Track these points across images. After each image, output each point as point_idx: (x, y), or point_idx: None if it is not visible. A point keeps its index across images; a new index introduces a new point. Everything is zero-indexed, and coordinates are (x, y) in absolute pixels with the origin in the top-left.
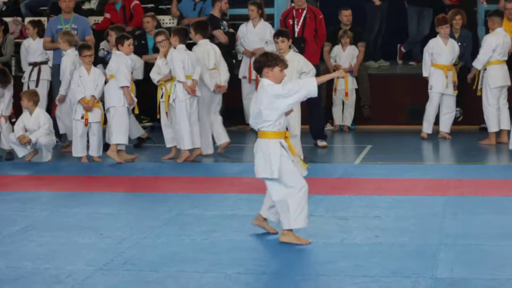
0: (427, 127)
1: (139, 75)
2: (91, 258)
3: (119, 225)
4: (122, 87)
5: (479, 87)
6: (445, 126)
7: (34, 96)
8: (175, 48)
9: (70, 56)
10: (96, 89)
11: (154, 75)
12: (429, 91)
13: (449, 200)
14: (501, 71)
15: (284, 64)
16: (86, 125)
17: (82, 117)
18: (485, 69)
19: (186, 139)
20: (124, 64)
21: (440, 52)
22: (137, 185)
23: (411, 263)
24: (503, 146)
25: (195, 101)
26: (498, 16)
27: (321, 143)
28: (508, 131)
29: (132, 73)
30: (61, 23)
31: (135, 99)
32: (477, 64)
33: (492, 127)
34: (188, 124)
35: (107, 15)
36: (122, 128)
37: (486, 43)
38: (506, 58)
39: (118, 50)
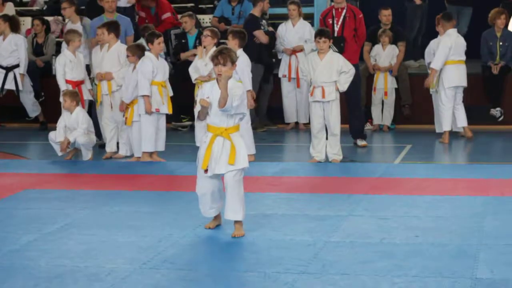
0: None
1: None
2: (131, 256)
3: (159, 224)
4: (142, 96)
5: (435, 88)
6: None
7: (76, 96)
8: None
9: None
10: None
11: (193, 74)
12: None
13: (490, 200)
14: (457, 71)
15: None
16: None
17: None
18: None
19: None
20: (146, 70)
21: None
22: (177, 184)
23: (451, 263)
24: None
25: None
26: (446, 19)
27: (360, 142)
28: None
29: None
30: None
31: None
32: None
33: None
34: None
35: (142, 14)
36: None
37: (441, 45)
38: (462, 58)
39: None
